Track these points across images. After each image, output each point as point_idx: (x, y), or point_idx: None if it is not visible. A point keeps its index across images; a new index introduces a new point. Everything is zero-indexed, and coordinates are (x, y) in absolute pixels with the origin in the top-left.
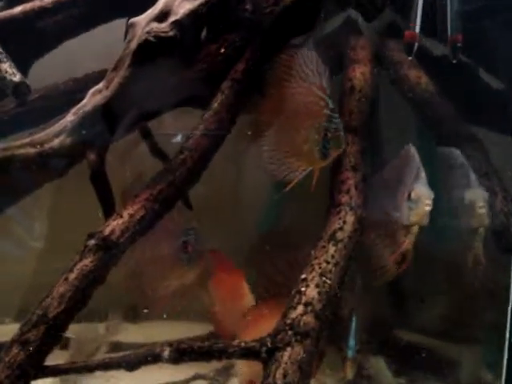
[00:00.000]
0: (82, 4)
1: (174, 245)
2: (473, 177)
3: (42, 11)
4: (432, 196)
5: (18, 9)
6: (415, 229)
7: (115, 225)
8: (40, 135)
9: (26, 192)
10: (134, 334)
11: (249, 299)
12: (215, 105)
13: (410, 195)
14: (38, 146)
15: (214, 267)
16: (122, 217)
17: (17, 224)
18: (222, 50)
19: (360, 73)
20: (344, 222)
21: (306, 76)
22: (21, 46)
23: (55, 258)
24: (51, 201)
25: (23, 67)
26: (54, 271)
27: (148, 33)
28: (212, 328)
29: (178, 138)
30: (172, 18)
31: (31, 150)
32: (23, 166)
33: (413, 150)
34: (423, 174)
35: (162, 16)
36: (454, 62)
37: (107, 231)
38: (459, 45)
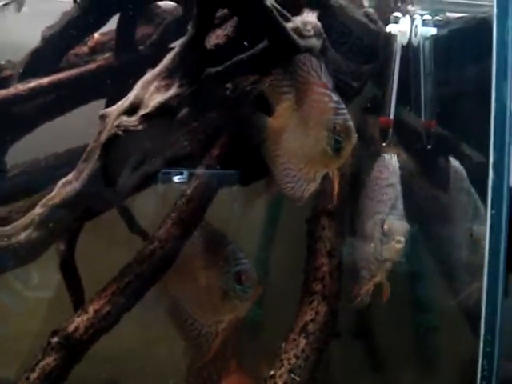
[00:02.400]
0: (59, 89)
1: (224, 276)
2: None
3: (16, 98)
4: (406, 230)
5: None
6: (388, 264)
7: (79, 321)
8: (7, 228)
9: None
10: None
11: None
12: (188, 192)
13: (382, 227)
14: (6, 239)
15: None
16: (87, 312)
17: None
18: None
19: None
20: (316, 313)
21: (304, 79)
22: None
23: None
24: None
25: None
26: None
27: (117, 126)
28: None
29: (183, 177)
30: (142, 111)
31: None
32: None
33: (392, 170)
34: (400, 204)
35: (132, 109)
36: (428, 147)
37: (71, 328)
38: (432, 130)
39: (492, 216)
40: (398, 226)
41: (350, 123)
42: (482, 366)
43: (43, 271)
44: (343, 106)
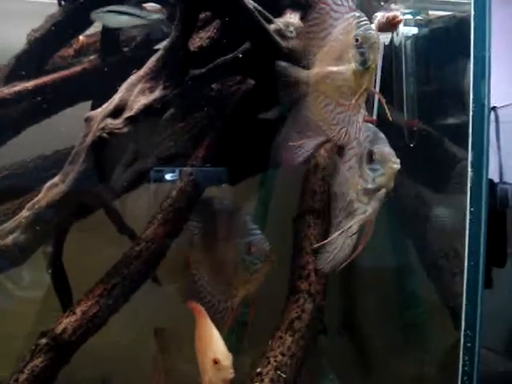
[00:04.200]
0: (44, 92)
1: (235, 246)
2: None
3: (1, 102)
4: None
5: None
6: (381, 193)
7: (67, 322)
8: None
9: None
10: None
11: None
12: (174, 193)
13: (371, 157)
14: None
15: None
16: (74, 314)
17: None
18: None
19: (324, 149)
20: (302, 311)
21: (338, 14)
22: None
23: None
24: None
25: None
26: None
27: (102, 129)
28: None
29: (175, 175)
30: (126, 114)
31: None
32: None
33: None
34: (382, 135)
35: (117, 111)
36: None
37: (59, 329)
38: (415, 129)
39: (471, 213)
40: (388, 151)
41: (372, 32)
42: (464, 361)
43: (33, 272)
44: (365, 19)
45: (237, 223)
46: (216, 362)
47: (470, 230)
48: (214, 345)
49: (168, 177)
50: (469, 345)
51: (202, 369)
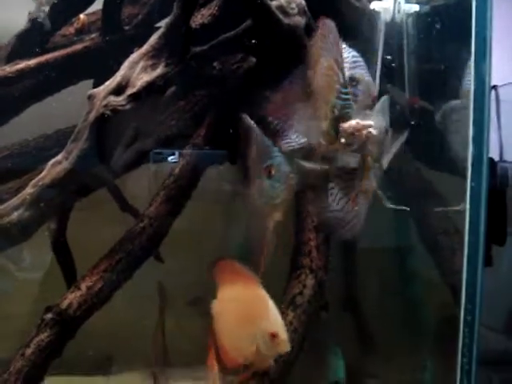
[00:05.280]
0: (47, 69)
1: (259, 172)
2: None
3: (4, 80)
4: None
5: None
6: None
7: (72, 298)
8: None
9: None
10: None
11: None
12: (176, 171)
13: None
14: None
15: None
16: (79, 289)
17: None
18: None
19: None
20: (304, 286)
21: (328, 48)
22: None
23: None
24: None
25: None
26: None
27: (105, 106)
28: None
29: (175, 157)
30: (129, 91)
31: None
32: None
33: None
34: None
35: (119, 89)
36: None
37: (64, 305)
38: (416, 107)
39: (472, 188)
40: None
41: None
42: (464, 333)
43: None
44: (347, 90)
45: (261, 149)
46: (274, 335)
47: (470, 205)
48: (272, 317)
49: (169, 155)
50: (469, 318)
51: (236, 337)
